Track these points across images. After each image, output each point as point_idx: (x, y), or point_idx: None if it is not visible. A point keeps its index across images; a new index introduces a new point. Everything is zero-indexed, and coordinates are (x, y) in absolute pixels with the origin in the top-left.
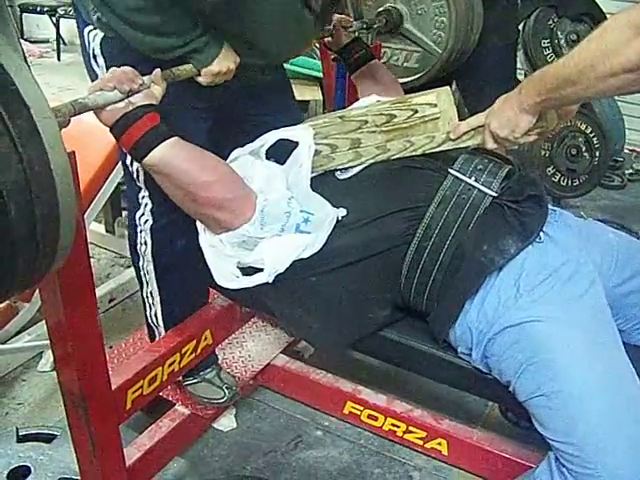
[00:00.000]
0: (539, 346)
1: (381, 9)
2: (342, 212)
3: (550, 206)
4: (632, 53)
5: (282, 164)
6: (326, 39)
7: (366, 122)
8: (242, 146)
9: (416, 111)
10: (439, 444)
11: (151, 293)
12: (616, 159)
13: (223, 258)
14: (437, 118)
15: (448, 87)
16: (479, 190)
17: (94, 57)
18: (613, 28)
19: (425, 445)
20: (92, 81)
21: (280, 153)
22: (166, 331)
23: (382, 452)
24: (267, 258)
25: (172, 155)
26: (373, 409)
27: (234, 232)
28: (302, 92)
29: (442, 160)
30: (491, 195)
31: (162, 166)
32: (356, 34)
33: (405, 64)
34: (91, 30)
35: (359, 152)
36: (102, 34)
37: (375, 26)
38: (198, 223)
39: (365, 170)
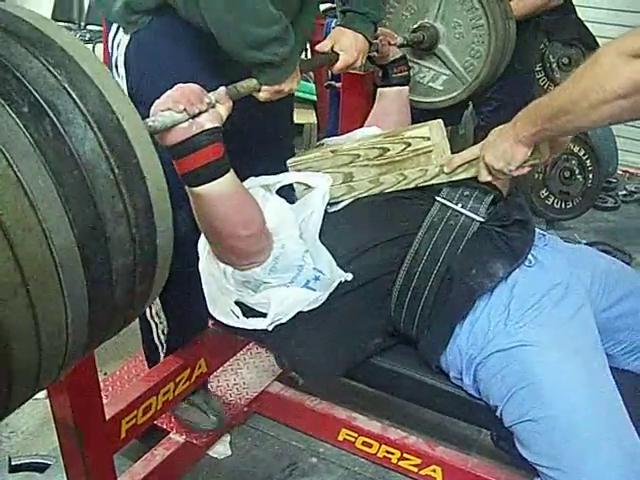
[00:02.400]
0: (527, 371)
1: (417, 25)
2: (349, 276)
3: (539, 231)
4: (624, 80)
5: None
6: (371, 53)
7: (358, 156)
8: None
9: (409, 144)
10: (434, 471)
11: (157, 313)
12: (609, 180)
13: (222, 290)
14: (430, 151)
15: (440, 120)
16: (466, 216)
17: (116, 67)
18: (604, 56)
19: (420, 472)
20: None
21: (288, 192)
22: (169, 350)
23: (377, 479)
24: (273, 305)
25: (221, 197)
26: (367, 436)
27: (242, 272)
28: (296, 115)
29: (429, 189)
30: (478, 220)
31: (207, 200)
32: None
33: (430, 84)
34: (115, 35)
35: (352, 186)
36: (126, 41)
37: (412, 42)
38: (201, 246)
39: (353, 203)
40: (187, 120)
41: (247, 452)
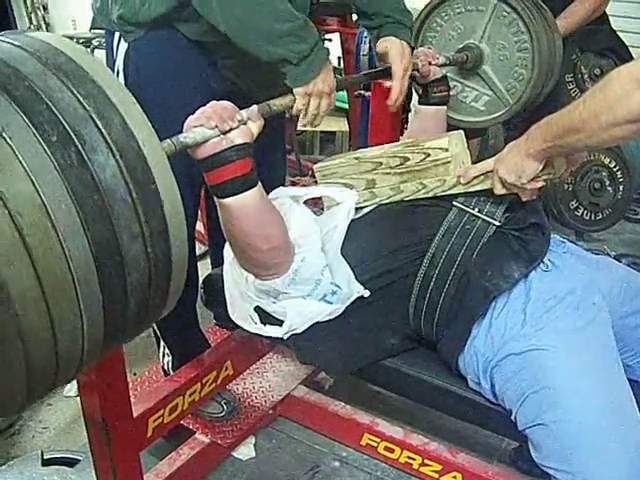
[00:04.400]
0: (541, 375)
1: (463, 45)
2: (366, 293)
3: (558, 238)
4: (634, 105)
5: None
6: (412, 71)
7: (381, 164)
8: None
9: (428, 155)
10: (454, 477)
11: (163, 348)
12: None
13: (243, 296)
14: (448, 162)
15: (461, 131)
16: (483, 220)
17: (117, 73)
18: (617, 80)
19: (440, 478)
20: None
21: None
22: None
23: None
24: (289, 316)
25: (244, 210)
26: (390, 441)
27: (262, 281)
28: (329, 123)
29: (447, 195)
30: (495, 224)
31: (231, 211)
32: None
33: (472, 103)
34: (119, 42)
35: (374, 192)
36: (125, 48)
37: (456, 62)
38: (226, 251)
39: (373, 211)
40: (218, 135)
41: (271, 454)
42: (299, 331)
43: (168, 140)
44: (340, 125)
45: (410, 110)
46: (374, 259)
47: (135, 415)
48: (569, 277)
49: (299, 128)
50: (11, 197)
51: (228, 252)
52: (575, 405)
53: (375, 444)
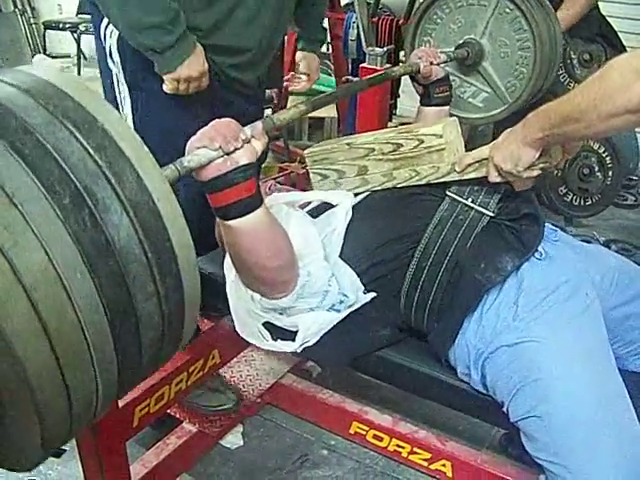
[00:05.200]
0: (533, 367)
1: (463, 40)
2: (368, 297)
3: (550, 226)
4: (634, 96)
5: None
6: (412, 73)
7: (373, 150)
8: None
9: (422, 141)
10: (443, 466)
11: None
12: (630, 178)
13: (250, 313)
14: (442, 149)
15: (456, 118)
16: (476, 211)
17: (110, 54)
18: (616, 69)
19: (430, 466)
20: (104, 77)
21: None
22: None
23: (387, 472)
24: (301, 329)
25: (250, 230)
26: (378, 430)
27: (269, 300)
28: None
29: (441, 185)
30: (488, 215)
31: (236, 232)
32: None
33: (470, 99)
34: (108, 25)
35: (366, 179)
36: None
37: (456, 59)
38: (227, 268)
39: (364, 200)
40: (222, 156)
41: (259, 443)
42: (311, 343)
43: (171, 165)
44: (329, 111)
45: (399, 95)
46: (366, 251)
47: (121, 405)
48: (561, 267)
49: None
50: (25, 271)
51: (229, 269)
52: (567, 398)
53: (364, 432)
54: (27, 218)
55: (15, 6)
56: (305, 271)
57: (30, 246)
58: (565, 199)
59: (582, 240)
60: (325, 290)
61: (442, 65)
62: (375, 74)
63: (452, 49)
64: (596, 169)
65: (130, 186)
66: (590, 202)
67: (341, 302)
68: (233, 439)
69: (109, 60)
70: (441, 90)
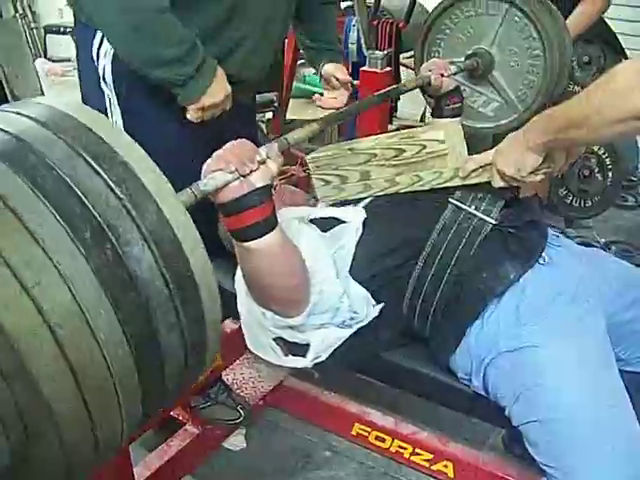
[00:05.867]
0: (535, 372)
1: (472, 50)
2: (376, 311)
3: (553, 232)
4: (639, 102)
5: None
6: (423, 85)
7: (375, 155)
8: None
9: (424, 146)
10: (445, 466)
11: None
12: (630, 179)
13: (261, 329)
14: (445, 154)
15: (458, 120)
16: (479, 218)
17: (103, 77)
18: (621, 75)
19: (431, 467)
20: (92, 99)
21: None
22: None
23: (389, 473)
24: (313, 345)
25: (265, 251)
26: (380, 431)
27: (282, 319)
28: (317, 112)
29: (444, 190)
30: (491, 223)
31: (251, 254)
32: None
33: (480, 109)
34: (101, 44)
35: (368, 184)
36: (113, 49)
37: (466, 69)
38: (238, 284)
39: (367, 208)
40: (238, 178)
41: (261, 445)
42: (323, 358)
43: (188, 190)
44: None
45: (399, 98)
46: (369, 259)
47: None
48: (564, 273)
49: (288, 117)
50: (50, 310)
51: (240, 285)
52: (568, 404)
53: (366, 434)
54: (50, 256)
55: (16, 10)
56: (317, 289)
57: (53, 284)
58: (565, 200)
59: (582, 243)
60: (337, 307)
61: (452, 76)
62: (387, 89)
63: (462, 59)
64: (596, 170)
65: (151, 219)
66: (590, 203)
67: (352, 319)
68: (236, 441)
69: (102, 82)
70: (452, 102)
